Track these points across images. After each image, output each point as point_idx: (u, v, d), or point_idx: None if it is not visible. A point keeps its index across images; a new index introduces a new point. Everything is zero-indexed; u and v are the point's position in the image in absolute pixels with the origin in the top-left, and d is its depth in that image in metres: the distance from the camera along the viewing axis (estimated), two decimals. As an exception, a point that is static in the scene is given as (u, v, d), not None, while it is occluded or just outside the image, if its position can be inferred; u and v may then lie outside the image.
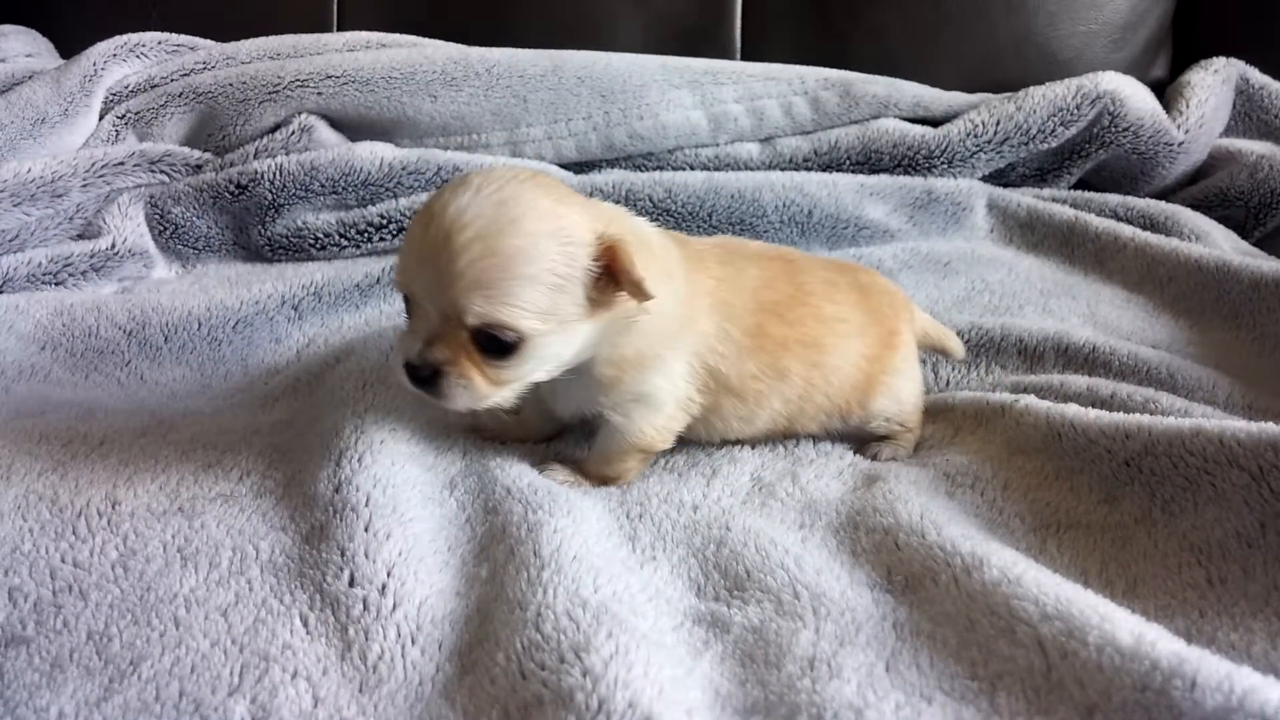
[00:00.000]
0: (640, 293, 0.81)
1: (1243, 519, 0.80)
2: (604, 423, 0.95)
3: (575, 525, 0.83)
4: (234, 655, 0.70)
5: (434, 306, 0.81)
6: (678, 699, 0.65)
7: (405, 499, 0.86)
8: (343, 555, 0.79)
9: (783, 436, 1.05)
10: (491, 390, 0.83)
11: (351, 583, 0.76)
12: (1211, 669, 0.60)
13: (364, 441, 0.92)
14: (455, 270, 0.78)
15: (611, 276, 0.82)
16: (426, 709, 0.68)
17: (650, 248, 0.88)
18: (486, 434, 1.03)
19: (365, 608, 0.74)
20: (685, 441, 1.01)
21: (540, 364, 0.85)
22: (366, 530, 0.81)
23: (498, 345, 0.81)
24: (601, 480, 0.97)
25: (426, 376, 0.82)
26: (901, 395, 1.06)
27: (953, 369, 1.24)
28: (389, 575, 0.77)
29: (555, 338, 0.83)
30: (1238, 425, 0.84)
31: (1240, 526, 0.80)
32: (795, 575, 0.79)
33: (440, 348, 0.81)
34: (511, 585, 0.76)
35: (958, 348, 1.18)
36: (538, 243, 0.79)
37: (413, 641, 0.72)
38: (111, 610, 0.74)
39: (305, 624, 0.74)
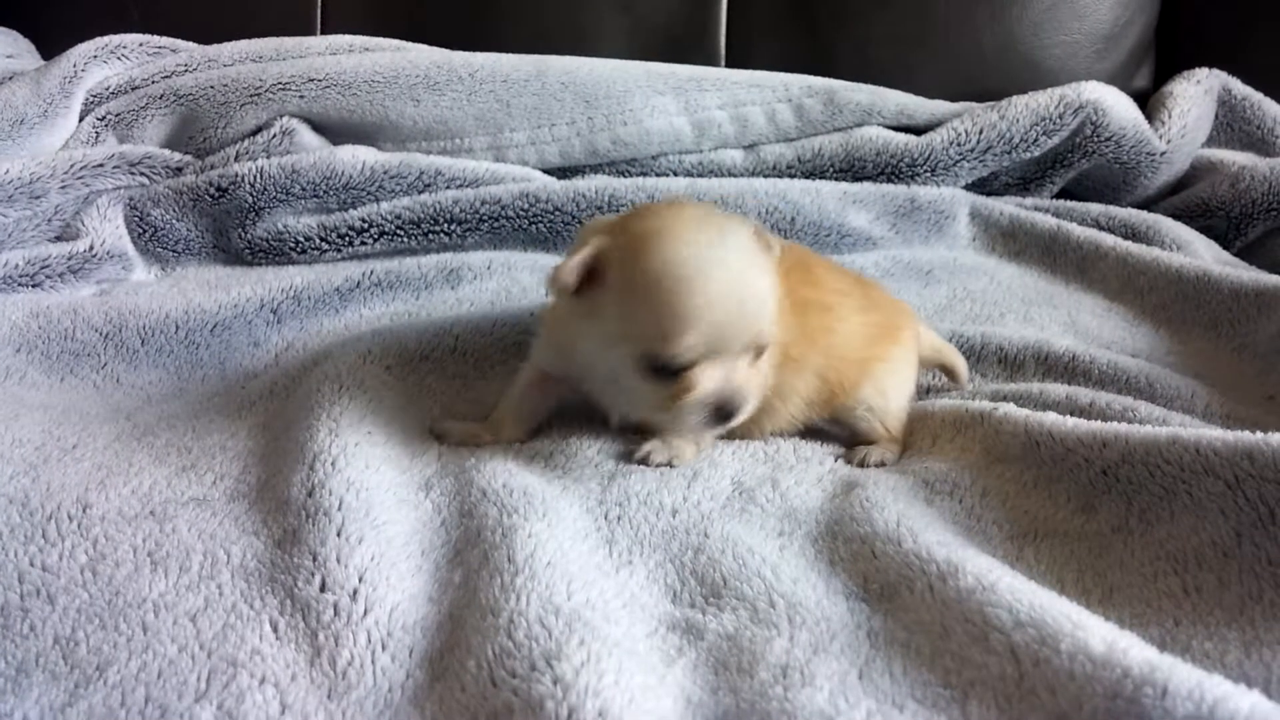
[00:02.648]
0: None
1: (1218, 528, 0.80)
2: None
3: (551, 529, 0.83)
4: (201, 661, 0.69)
5: (742, 346, 0.89)
6: (649, 707, 0.65)
7: (379, 502, 0.85)
8: (314, 560, 0.78)
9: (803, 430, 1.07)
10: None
11: (323, 588, 0.75)
12: (1182, 677, 0.59)
13: (338, 445, 0.92)
14: (758, 306, 0.88)
15: None
16: (395, 716, 0.67)
17: None
18: (453, 441, 1.02)
19: (336, 613, 0.73)
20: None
21: None
22: (339, 535, 0.80)
23: (761, 351, 0.92)
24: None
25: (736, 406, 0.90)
26: (888, 391, 1.06)
27: (933, 376, 1.24)
28: (360, 580, 0.76)
29: None
30: (1214, 434, 0.84)
31: (1216, 535, 0.80)
32: (772, 584, 0.78)
33: (743, 379, 0.90)
34: (484, 591, 0.75)
35: (963, 371, 1.19)
36: (767, 262, 0.91)
37: (383, 647, 0.72)
38: (79, 615, 0.73)
39: (275, 629, 0.73)
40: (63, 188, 1.50)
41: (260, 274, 1.45)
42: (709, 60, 1.85)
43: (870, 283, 1.13)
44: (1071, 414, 1.00)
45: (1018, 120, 1.66)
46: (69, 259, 1.42)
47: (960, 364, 1.19)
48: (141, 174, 1.59)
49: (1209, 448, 0.83)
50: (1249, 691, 0.59)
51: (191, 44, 1.82)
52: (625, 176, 1.67)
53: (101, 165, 1.54)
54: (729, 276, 0.86)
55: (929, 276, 1.49)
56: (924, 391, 1.22)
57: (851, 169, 1.69)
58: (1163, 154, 1.69)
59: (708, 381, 0.88)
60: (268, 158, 1.57)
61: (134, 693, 0.67)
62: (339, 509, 0.83)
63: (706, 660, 0.72)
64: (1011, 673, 0.65)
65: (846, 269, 1.16)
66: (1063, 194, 1.77)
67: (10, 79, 1.66)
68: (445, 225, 1.52)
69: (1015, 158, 1.68)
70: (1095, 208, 1.67)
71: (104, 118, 1.65)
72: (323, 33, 1.90)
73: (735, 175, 1.69)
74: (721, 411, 0.89)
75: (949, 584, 0.74)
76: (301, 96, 1.64)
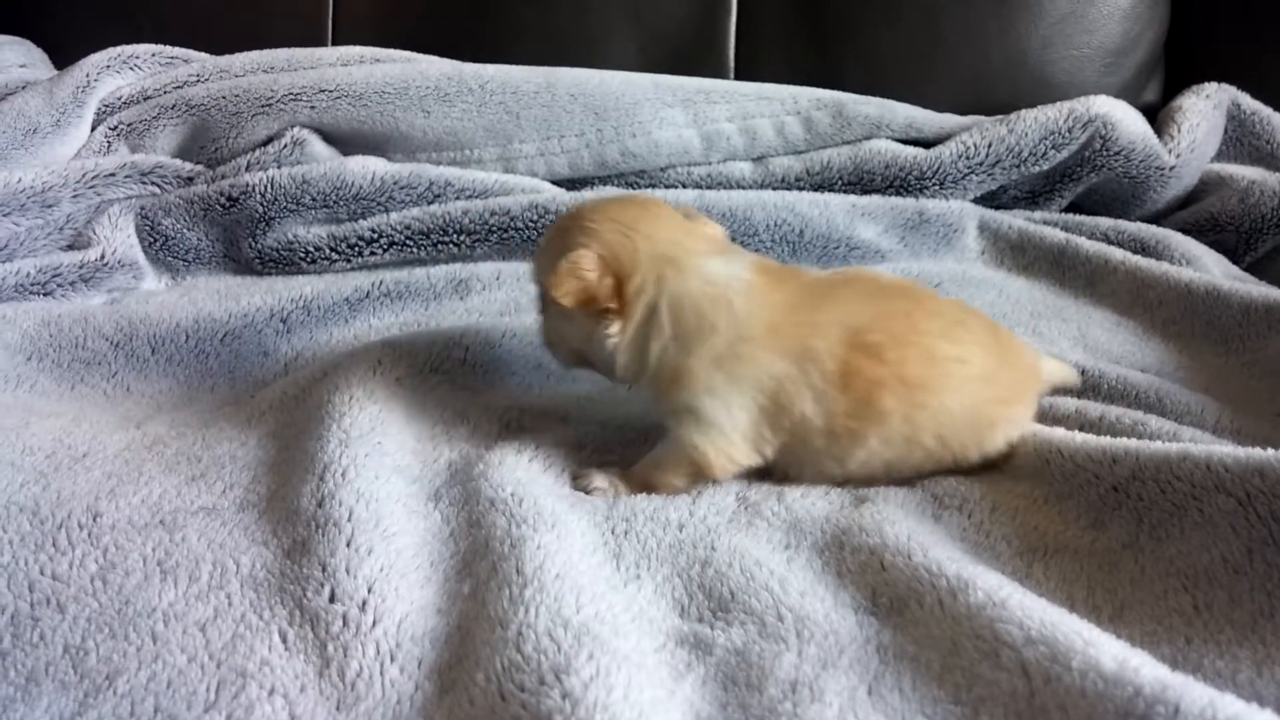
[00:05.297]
0: (551, 301, 0.95)
1: (1230, 545, 0.79)
2: (664, 432, 0.99)
3: (559, 541, 0.83)
4: (211, 671, 0.70)
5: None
6: (658, 721, 0.65)
7: (389, 513, 0.86)
8: (323, 570, 0.78)
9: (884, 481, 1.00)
10: (542, 334, 1.07)
11: (332, 598, 0.76)
12: (1194, 696, 0.59)
13: (348, 455, 0.92)
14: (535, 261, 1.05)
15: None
16: (403, 728, 0.67)
17: (583, 272, 0.94)
18: (594, 491, 0.99)
19: (345, 624, 0.74)
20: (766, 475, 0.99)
21: (558, 334, 1.02)
22: (348, 545, 0.80)
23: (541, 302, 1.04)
24: (643, 486, 0.98)
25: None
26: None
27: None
28: (370, 591, 0.76)
29: (563, 318, 0.99)
30: (1225, 450, 0.84)
31: (1227, 552, 0.79)
32: (780, 598, 0.78)
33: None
34: (493, 603, 0.75)
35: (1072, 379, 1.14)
36: (557, 235, 0.99)
37: (392, 659, 0.72)
38: (89, 624, 0.74)
39: (284, 640, 0.73)
40: (74, 197, 1.51)
41: (270, 283, 1.45)
42: (718, 72, 1.85)
43: (1007, 341, 1.03)
44: (1081, 428, 1.00)
45: (1026, 134, 1.66)
46: (80, 268, 1.42)
47: (1069, 376, 1.14)
48: (153, 183, 1.59)
49: (1220, 464, 0.83)
50: (1261, 710, 0.59)
51: (203, 54, 1.82)
52: (634, 188, 1.68)
53: (113, 174, 1.55)
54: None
55: (938, 290, 1.48)
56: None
57: (860, 182, 1.69)
58: (1172, 168, 1.69)
59: None
60: (278, 168, 1.57)
61: (143, 703, 0.67)
62: (349, 520, 0.83)
63: (715, 675, 0.71)
64: (1022, 690, 0.65)
65: (980, 321, 1.03)
66: (1071, 208, 1.77)
67: (23, 88, 1.67)
68: (454, 236, 1.52)
69: (1024, 171, 1.68)
70: (1104, 222, 1.66)
71: (116, 127, 1.66)
72: (334, 44, 1.90)
73: (744, 187, 1.69)
74: None
75: (959, 599, 0.74)
76: (312, 107, 1.64)
